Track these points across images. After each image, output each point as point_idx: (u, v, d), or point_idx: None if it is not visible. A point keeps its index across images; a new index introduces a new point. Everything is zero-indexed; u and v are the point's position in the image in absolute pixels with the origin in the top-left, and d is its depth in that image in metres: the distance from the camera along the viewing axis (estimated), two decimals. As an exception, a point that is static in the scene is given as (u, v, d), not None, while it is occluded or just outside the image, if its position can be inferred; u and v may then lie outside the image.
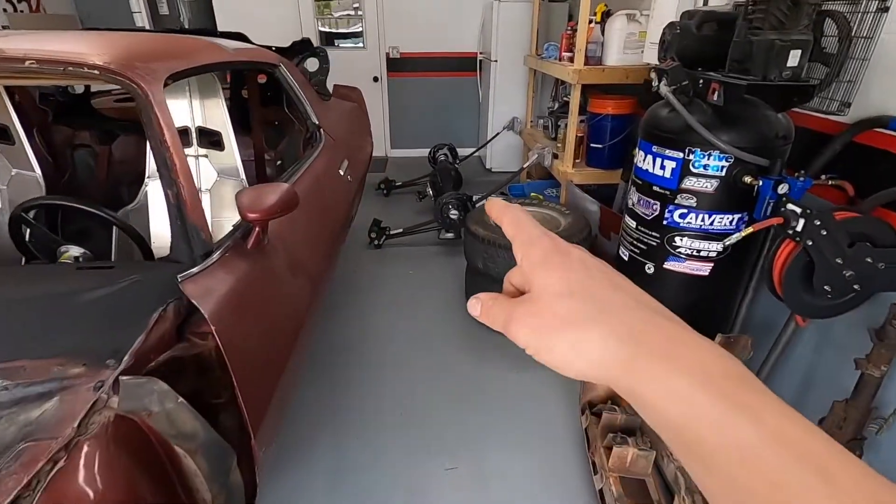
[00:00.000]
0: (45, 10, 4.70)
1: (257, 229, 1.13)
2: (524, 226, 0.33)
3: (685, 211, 1.69)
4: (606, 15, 2.92)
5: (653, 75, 2.70)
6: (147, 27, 4.92)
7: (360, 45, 5.26)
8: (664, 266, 1.80)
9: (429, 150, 4.57)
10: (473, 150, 4.94)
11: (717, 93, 1.55)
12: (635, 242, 1.89)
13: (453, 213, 3.28)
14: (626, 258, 1.96)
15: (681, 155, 1.64)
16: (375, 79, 5.31)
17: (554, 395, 2.15)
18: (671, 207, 1.71)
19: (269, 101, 2.49)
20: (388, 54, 5.22)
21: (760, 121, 1.59)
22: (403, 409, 2.10)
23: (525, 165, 3.49)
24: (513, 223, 0.34)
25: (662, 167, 1.70)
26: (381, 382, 2.25)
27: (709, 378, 0.25)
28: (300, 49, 2.35)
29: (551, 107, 4.24)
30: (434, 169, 4.19)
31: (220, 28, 4.87)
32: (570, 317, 0.29)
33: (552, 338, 0.29)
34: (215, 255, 1.04)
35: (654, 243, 1.80)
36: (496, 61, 4.56)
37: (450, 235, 3.48)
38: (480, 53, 5.10)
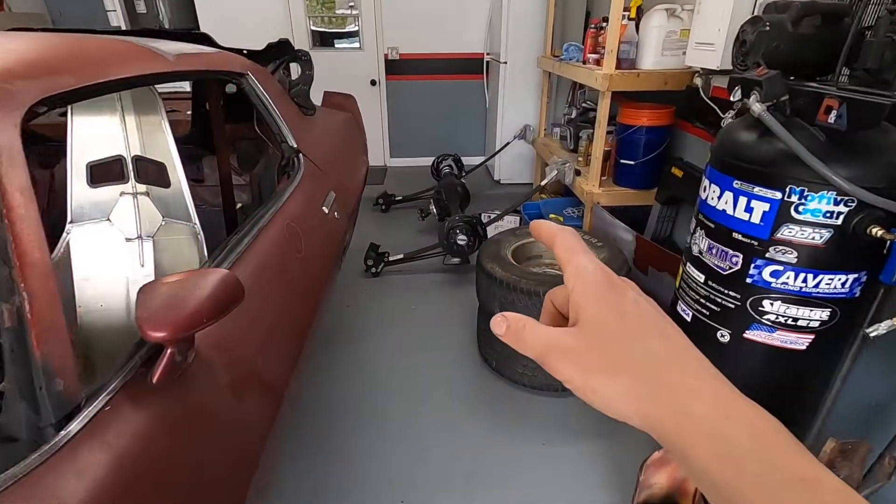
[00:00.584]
0: (9, 8, 4.28)
1: (170, 351, 0.69)
2: (577, 254, 0.31)
3: (780, 268, 1.27)
4: (641, 10, 2.50)
5: (697, 80, 2.30)
6: (123, 27, 4.50)
7: (357, 45, 4.83)
8: (744, 335, 1.38)
9: (431, 160, 4.16)
10: (480, 159, 4.52)
11: (835, 112, 1.13)
12: (703, 301, 1.46)
13: (461, 239, 2.86)
14: (687, 318, 1.54)
15: (778, 195, 1.22)
16: (373, 82, 4.89)
17: (597, 475, 1.73)
18: (760, 263, 1.29)
19: (243, 115, 2.07)
20: (386, 55, 4.79)
21: (890, 151, 1.17)
22: (403, 496, 1.69)
23: (543, 182, 3.07)
24: (565, 249, 0.32)
25: (749, 209, 1.28)
26: (376, 457, 1.83)
27: (762, 445, 0.25)
28: (277, 53, 1.92)
29: (568, 114, 3.82)
30: (438, 183, 3.77)
31: (203, 27, 4.45)
32: (619, 361, 0.28)
33: (597, 379, 0.28)
34: (81, 418, 0.59)
35: (732, 305, 1.38)
36: (505, 63, 4.14)
37: (456, 260, 3.09)
38: (487, 54, 4.67)
